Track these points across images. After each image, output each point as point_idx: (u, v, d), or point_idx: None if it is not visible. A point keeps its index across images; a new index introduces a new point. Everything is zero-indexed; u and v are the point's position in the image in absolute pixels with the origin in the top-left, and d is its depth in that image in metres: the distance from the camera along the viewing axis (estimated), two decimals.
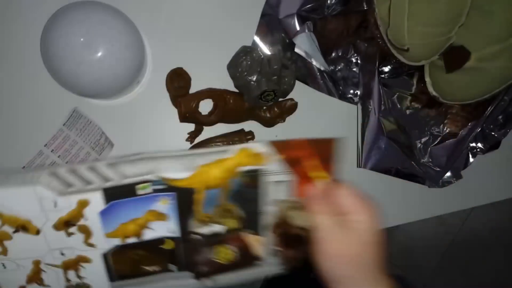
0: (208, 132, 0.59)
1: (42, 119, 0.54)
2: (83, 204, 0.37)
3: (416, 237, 1.58)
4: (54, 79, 0.50)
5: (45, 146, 0.53)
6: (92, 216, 0.38)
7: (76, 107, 0.54)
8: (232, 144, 0.58)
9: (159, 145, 0.57)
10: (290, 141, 0.37)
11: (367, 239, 0.36)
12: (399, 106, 0.59)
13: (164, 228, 0.39)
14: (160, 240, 0.40)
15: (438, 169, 0.58)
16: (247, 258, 0.41)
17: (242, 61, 0.55)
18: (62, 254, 0.40)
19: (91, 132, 0.55)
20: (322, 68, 0.59)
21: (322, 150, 0.38)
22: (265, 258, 0.42)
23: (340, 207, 0.36)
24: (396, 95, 0.59)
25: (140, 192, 0.37)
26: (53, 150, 0.54)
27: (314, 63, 0.58)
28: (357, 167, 0.59)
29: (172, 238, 0.40)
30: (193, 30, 0.57)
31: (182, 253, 0.41)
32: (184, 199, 0.38)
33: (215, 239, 0.40)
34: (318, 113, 0.62)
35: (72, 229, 0.39)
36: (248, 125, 0.60)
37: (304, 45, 0.55)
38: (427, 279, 1.59)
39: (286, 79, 0.56)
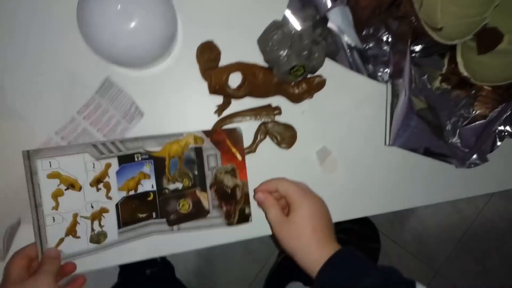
0: (236, 105, 0.59)
1: (76, 86, 0.55)
2: (108, 166, 0.55)
3: (430, 225, 1.58)
4: (89, 46, 0.51)
5: (77, 113, 0.55)
6: (112, 175, 0.55)
7: (108, 76, 0.55)
8: (259, 118, 0.59)
9: (188, 116, 0.58)
10: (214, 129, 0.58)
11: (305, 221, 0.51)
12: (429, 86, 0.59)
13: (149, 184, 0.57)
14: (147, 193, 0.57)
15: (466, 150, 0.58)
16: (200, 210, 0.58)
17: (273, 35, 0.55)
18: (92, 206, 0.54)
19: (122, 101, 0.56)
20: (352, 45, 0.59)
21: (231, 135, 0.58)
22: (211, 211, 0.58)
23: (285, 198, 0.55)
24: (426, 75, 0.59)
25: (136, 159, 0.56)
26: (85, 117, 0.55)
27: (345, 39, 0.57)
28: (385, 145, 0.59)
29: (153, 192, 0.57)
30: (224, 3, 0.57)
31: (159, 204, 0.57)
32: (159, 164, 0.56)
33: (177, 194, 0.57)
34: (346, 91, 0.62)
35: (100, 185, 0.54)
36: (276, 101, 0.60)
37: (337, 19, 0.55)
38: (440, 267, 1.59)
39: (316, 55, 0.56)
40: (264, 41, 0.56)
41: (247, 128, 0.59)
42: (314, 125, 0.61)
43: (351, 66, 0.60)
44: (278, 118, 0.60)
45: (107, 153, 0.54)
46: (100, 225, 0.55)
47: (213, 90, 0.56)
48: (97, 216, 0.55)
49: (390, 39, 0.60)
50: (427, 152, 0.56)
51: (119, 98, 0.56)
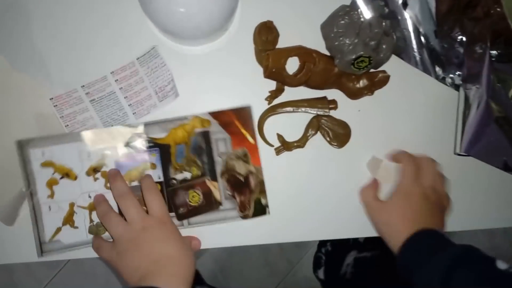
0: (287, 95, 0.54)
1: (118, 46, 0.52)
2: (105, 155, 0.51)
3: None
4: (144, 11, 0.47)
5: (111, 73, 0.51)
6: (111, 164, 0.51)
7: (156, 45, 0.52)
8: (313, 111, 0.54)
9: (236, 101, 0.53)
10: (221, 110, 0.52)
11: (399, 213, 0.49)
12: (505, 94, 0.53)
13: (155, 175, 0.52)
14: None
15: None
16: (211, 202, 0.53)
17: (340, 20, 0.50)
18: (89, 196, 0.51)
19: (160, 75, 0.52)
20: (423, 41, 0.53)
21: (241, 115, 0.53)
22: (223, 203, 0.53)
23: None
24: (502, 82, 0.53)
25: (140, 147, 0.52)
26: (117, 80, 0.51)
27: (420, 29, 0.52)
28: (454, 153, 0.53)
29: (159, 183, 0.52)
30: None
31: (166, 196, 0.52)
32: (164, 152, 0.52)
33: (186, 184, 0.52)
34: (409, 91, 0.56)
35: (97, 175, 0.51)
36: (331, 95, 0.55)
37: (416, 7, 0.50)
38: None
39: (384, 47, 0.51)
40: (328, 26, 0.51)
41: (297, 121, 0.54)
42: (370, 126, 0.56)
43: (417, 65, 0.55)
44: (332, 113, 0.55)
45: (108, 140, 0.51)
46: None
47: (268, 73, 0.51)
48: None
49: (464, 40, 0.54)
50: (507, 167, 0.50)
51: (159, 71, 0.52)
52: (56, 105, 0.50)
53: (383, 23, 0.50)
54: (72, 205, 0.51)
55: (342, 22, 0.50)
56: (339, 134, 0.54)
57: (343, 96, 0.55)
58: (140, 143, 0.51)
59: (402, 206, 0.49)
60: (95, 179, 0.51)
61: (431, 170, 0.51)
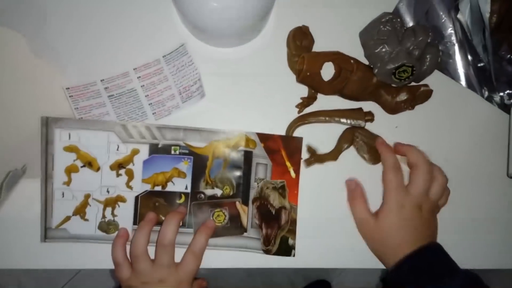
0: (320, 104, 0.50)
1: (144, 42, 0.49)
2: (135, 152, 0.48)
3: None
4: (174, 3, 0.45)
5: (134, 69, 0.48)
6: (138, 163, 0.48)
7: (185, 43, 0.49)
8: (347, 122, 0.49)
9: (263, 106, 0.50)
10: (269, 134, 0.49)
11: (393, 231, 0.46)
12: None
13: (182, 184, 0.49)
14: (177, 194, 0.49)
15: None
16: (236, 226, 0.49)
17: (381, 27, 0.47)
18: (108, 191, 0.48)
19: (187, 74, 0.49)
20: (469, 57, 0.50)
21: (289, 145, 0.49)
22: (248, 230, 0.49)
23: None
24: None
25: (172, 152, 0.48)
26: (139, 77, 0.48)
27: (466, 43, 0.48)
28: (508, 176, 0.48)
29: (185, 194, 0.49)
30: None
31: (190, 209, 0.49)
32: (199, 163, 0.48)
33: (214, 202, 0.49)
34: (453, 108, 0.52)
35: (121, 171, 0.48)
36: (367, 107, 0.51)
37: (466, 12, 0.46)
38: None
39: (429, 58, 0.47)
40: (368, 33, 0.48)
41: (330, 133, 0.50)
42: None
43: (462, 81, 0.51)
44: (367, 127, 0.50)
45: (138, 137, 0.48)
46: (113, 213, 0.49)
47: (302, 77, 0.47)
48: (111, 203, 0.49)
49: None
50: None
51: (185, 70, 0.49)
52: (72, 96, 0.47)
53: (430, 32, 0.47)
54: (87, 196, 0.48)
55: (384, 29, 0.47)
56: (374, 150, 0.50)
57: (380, 110, 0.51)
58: (175, 148, 0.48)
59: (401, 221, 0.46)
60: (118, 175, 0.48)
61: (443, 184, 0.47)
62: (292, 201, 0.49)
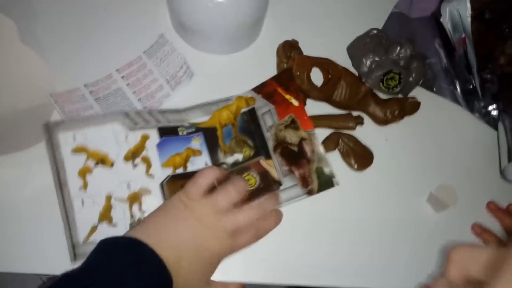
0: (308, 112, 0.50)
1: (125, 43, 0.50)
2: (145, 137, 0.45)
3: None
4: (169, 6, 0.47)
5: (116, 70, 0.49)
6: (151, 148, 0.45)
7: (163, 33, 0.50)
8: (335, 127, 0.49)
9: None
10: (262, 82, 0.49)
11: None
12: None
13: (202, 161, 0.46)
14: None
15: None
16: (269, 183, 0.46)
17: (368, 39, 0.49)
18: (128, 186, 0.44)
19: (171, 62, 0.50)
20: (453, 73, 0.51)
21: (281, 80, 0.49)
22: (283, 181, 0.46)
23: None
24: None
25: (180, 133, 0.47)
26: (123, 76, 0.49)
27: (448, 62, 0.50)
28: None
29: None
30: (318, 4, 0.54)
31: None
32: (209, 136, 0.47)
33: (239, 167, 0.46)
34: (440, 121, 0.52)
35: (137, 161, 0.45)
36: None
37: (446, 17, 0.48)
38: None
39: (414, 68, 0.48)
40: (356, 46, 0.50)
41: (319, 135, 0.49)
42: (398, 158, 0.50)
43: (446, 95, 0.51)
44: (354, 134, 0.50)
45: (142, 123, 0.46)
46: (141, 210, 0.43)
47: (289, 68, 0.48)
48: (136, 198, 0.44)
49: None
50: None
51: (169, 58, 0.50)
52: (56, 101, 0.46)
53: (414, 45, 0.49)
54: (109, 198, 0.43)
55: (371, 41, 0.49)
56: (360, 157, 0.48)
57: (369, 121, 0.51)
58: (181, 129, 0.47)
59: None
60: (134, 166, 0.44)
61: None
62: (308, 128, 0.47)
